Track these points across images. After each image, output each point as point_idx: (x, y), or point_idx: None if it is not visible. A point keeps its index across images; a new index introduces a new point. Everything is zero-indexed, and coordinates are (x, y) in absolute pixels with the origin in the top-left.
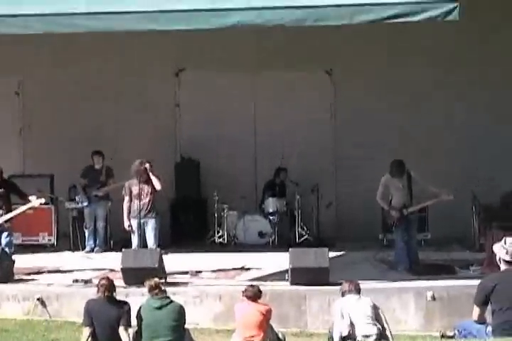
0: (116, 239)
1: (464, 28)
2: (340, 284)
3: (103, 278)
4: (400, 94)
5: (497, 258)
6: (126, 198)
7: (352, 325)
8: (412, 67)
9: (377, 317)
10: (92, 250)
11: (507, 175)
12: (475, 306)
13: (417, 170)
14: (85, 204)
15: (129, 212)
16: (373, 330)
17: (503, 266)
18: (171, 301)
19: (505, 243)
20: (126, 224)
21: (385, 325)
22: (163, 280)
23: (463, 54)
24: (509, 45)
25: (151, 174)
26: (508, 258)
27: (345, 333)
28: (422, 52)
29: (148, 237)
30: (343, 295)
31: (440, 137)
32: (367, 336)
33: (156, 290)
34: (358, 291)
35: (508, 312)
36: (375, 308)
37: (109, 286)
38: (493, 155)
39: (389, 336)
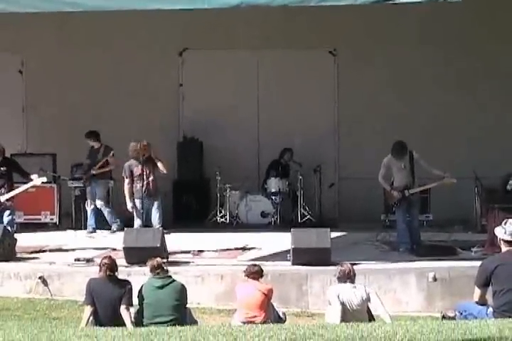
0: (119, 218)
1: (470, 8)
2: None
3: (105, 257)
4: (405, 76)
5: (498, 240)
6: (127, 180)
7: (347, 311)
8: (418, 49)
9: (372, 303)
10: (94, 230)
11: (509, 157)
12: (476, 287)
13: (420, 151)
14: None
15: (132, 193)
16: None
17: (503, 247)
18: (173, 280)
19: (505, 224)
20: (129, 205)
21: (381, 309)
22: (165, 260)
23: (468, 37)
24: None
25: (155, 158)
26: (507, 237)
27: (337, 321)
28: (428, 34)
29: (153, 217)
30: (338, 279)
31: (443, 119)
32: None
33: (158, 270)
34: (353, 277)
35: (508, 293)
36: (369, 295)
37: (111, 265)
38: (496, 138)
39: (387, 317)
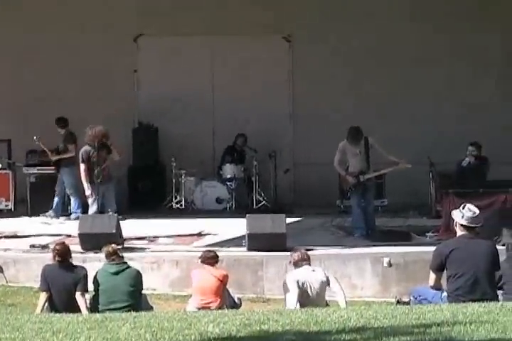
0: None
1: None
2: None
3: (58, 244)
4: (358, 60)
5: (454, 223)
6: (83, 165)
7: (306, 295)
8: (372, 31)
9: (331, 287)
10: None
11: (463, 141)
12: (431, 272)
13: (375, 136)
14: None
15: (90, 179)
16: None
17: (459, 232)
18: (128, 267)
19: (462, 208)
20: (87, 191)
21: (340, 293)
22: (120, 247)
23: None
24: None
25: (110, 145)
26: (463, 222)
27: (297, 306)
28: (379, 15)
29: (109, 203)
30: (295, 265)
31: (399, 103)
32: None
33: (114, 257)
34: (309, 260)
35: (462, 278)
36: (328, 278)
37: (64, 251)
38: (452, 121)
39: (343, 302)
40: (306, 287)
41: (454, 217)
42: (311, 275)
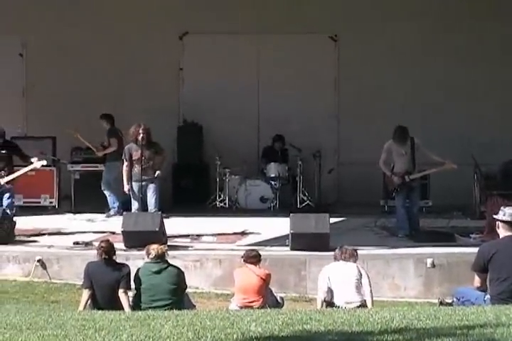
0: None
1: None
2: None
3: (103, 241)
4: (405, 61)
5: (497, 225)
6: (126, 163)
7: (334, 290)
8: (421, 33)
9: (363, 284)
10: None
11: (508, 143)
12: (475, 273)
13: (421, 136)
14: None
15: (130, 176)
16: (356, 298)
17: (502, 232)
18: (170, 265)
19: (504, 207)
20: (125, 188)
21: (368, 293)
22: (166, 248)
23: (467, 18)
24: None
25: (161, 154)
26: (506, 218)
27: (328, 298)
28: (432, 17)
29: (148, 201)
30: (334, 259)
31: (447, 103)
32: (349, 303)
33: (160, 259)
34: (352, 258)
35: (505, 282)
36: (361, 275)
37: (109, 249)
38: (495, 123)
39: (369, 303)
40: (334, 281)
41: (496, 217)
42: (342, 267)
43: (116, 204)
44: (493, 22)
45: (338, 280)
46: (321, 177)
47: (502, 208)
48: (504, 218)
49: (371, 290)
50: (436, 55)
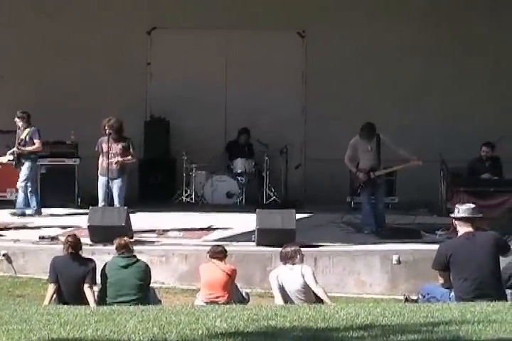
0: (83, 197)
1: None
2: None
3: (69, 236)
4: (373, 57)
5: (454, 223)
6: (100, 155)
7: (287, 293)
8: (389, 29)
9: (307, 282)
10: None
11: (476, 141)
12: (438, 272)
13: (387, 133)
14: None
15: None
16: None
17: (460, 229)
18: (137, 260)
19: (460, 205)
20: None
21: (314, 287)
22: (132, 240)
23: (439, 15)
24: None
25: (130, 147)
26: (460, 214)
27: (281, 302)
28: (399, 14)
29: (114, 197)
30: (281, 261)
31: (412, 100)
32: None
33: (124, 250)
34: (294, 259)
35: (466, 283)
36: (303, 275)
37: (75, 243)
38: (466, 120)
39: (326, 300)
40: (285, 284)
41: (452, 215)
42: (289, 273)
43: (35, 203)
44: (462, 20)
45: (286, 286)
46: (288, 173)
47: (457, 206)
48: (458, 215)
49: (322, 288)
50: (404, 49)
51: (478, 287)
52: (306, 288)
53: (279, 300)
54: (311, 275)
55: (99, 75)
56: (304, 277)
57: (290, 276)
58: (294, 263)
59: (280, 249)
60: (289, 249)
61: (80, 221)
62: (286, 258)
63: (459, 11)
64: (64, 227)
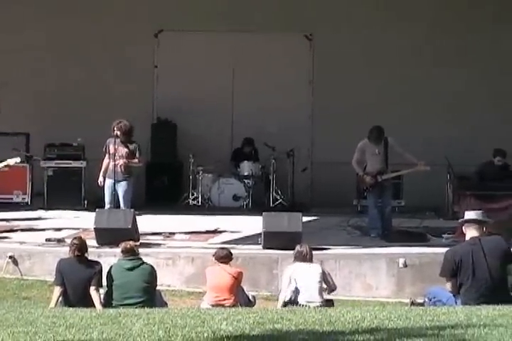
0: (90, 199)
1: None
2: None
3: (75, 238)
4: (381, 61)
5: (463, 228)
6: (106, 156)
7: (297, 291)
8: (396, 33)
9: (326, 284)
10: None
11: (485, 146)
12: (445, 278)
13: (395, 136)
14: None
15: (105, 170)
16: (318, 298)
17: (467, 234)
18: (143, 262)
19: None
20: (99, 180)
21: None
22: (137, 243)
23: (446, 20)
24: None
25: (136, 150)
26: (470, 217)
27: (287, 298)
28: (407, 17)
29: (119, 199)
30: (295, 259)
31: (420, 104)
32: (310, 302)
33: (129, 253)
34: (310, 260)
35: (472, 289)
36: (324, 275)
37: (81, 246)
38: (473, 125)
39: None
40: (297, 281)
41: (461, 220)
42: (305, 271)
43: None
44: (471, 24)
45: (302, 281)
46: (295, 176)
47: (466, 211)
48: (469, 217)
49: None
50: (413, 55)
51: (484, 293)
52: (322, 284)
53: (286, 295)
54: (328, 275)
55: (106, 78)
56: (322, 275)
57: (310, 272)
58: (311, 262)
59: (286, 252)
60: (304, 248)
61: (86, 223)
62: (302, 257)
63: (468, 14)
64: (71, 229)
